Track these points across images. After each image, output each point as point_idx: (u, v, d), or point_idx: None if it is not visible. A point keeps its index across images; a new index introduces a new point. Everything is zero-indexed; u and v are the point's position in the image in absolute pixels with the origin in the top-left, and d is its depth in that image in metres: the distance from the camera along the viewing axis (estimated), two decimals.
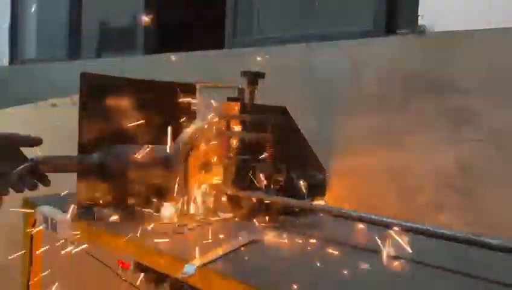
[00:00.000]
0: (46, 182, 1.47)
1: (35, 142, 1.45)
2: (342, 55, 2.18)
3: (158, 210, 1.63)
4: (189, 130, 1.70)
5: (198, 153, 1.70)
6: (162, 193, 1.68)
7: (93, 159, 1.56)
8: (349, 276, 1.16)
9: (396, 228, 1.28)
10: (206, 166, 1.71)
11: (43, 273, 2.01)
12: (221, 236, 1.41)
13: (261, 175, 1.62)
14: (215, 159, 1.72)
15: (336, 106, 2.18)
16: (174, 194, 1.64)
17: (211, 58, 2.81)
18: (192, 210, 1.65)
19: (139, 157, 1.61)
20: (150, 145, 1.65)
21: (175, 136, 1.70)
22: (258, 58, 2.51)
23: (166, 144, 1.67)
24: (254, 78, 1.74)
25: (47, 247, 2.00)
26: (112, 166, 1.57)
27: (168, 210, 1.63)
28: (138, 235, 1.40)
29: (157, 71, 3.10)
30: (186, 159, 1.67)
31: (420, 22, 1.97)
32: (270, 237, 1.44)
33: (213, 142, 1.71)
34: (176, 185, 1.63)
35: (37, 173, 1.44)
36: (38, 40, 5.07)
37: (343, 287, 1.10)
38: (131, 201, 1.73)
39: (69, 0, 4.34)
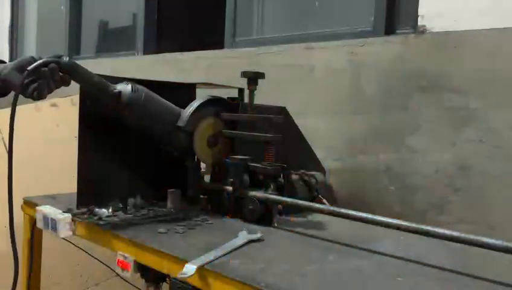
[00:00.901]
0: (66, 81, 1.42)
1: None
2: (342, 55, 2.18)
3: None
4: (199, 100, 1.72)
5: (206, 124, 1.72)
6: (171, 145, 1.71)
7: (114, 86, 1.56)
8: (349, 276, 1.16)
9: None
10: (211, 139, 1.72)
11: (43, 273, 2.02)
12: (221, 236, 1.41)
13: (261, 175, 1.62)
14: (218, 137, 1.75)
15: (336, 105, 2.18)
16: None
17: (211, 58, 2.81)
18: None
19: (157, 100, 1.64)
20: None
21: None
22: (258, 58, 2.51)
23: None
24: (254, 78, 1.73)
25: (47, 247, 2.01)
26: (131, 97, 1.56)
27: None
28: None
29: (157, 71, 3.11)
30: (196, 124, 1.69)
31: (420, 22, 1.97)
32: (269, 237, 1.44)
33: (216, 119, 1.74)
34: None
35: (58, 72, 1.39)
36: (38, 40, 5.07)
37: (343, 287, 1.10)
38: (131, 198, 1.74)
39: (69, 0, 4.34)
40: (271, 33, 2.79)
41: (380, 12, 2.19)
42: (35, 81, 1.35)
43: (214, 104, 1.75)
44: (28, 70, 1.33)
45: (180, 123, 1.67)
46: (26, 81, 1.34)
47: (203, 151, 1.72)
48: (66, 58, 1.40)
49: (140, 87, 1.60)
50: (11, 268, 1.30)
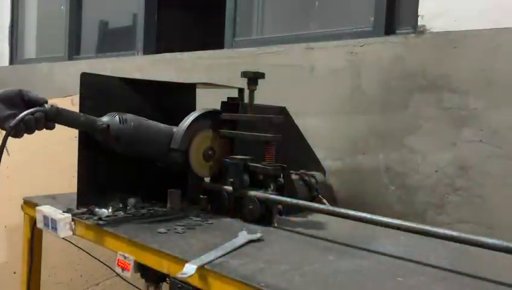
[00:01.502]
0: (51, 127, 1.44)
1: (42, 101, 1.44)
2: (342, 55, 2.18)
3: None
4: (191, 117, 1.71)
5: (200, 139, 1.71)
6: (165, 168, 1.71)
7: (101, 120, 1.56)
8: (348, 276, 1.16)
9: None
10: (207, 152, 1.72)
11: (43, 273, 2.02)
12: (221, 236, 1.41)
13: (261, 175, 1.62)
14: (214, 148, 1.74)
15: (336, 105, 2.18)
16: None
17: (211, 58, 2.81)
18: None
19: (146, 126, 1.63)
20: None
21: None
22: (258, 58, 2.51)
23: None
24: (254, 78, 1.73)
25: (47, 246, 2.01)
26: (119, 129, 1.56)
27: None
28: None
29: (157, 71, 3.11)
30: (190, 141, 1.69)
31: (420, 22, 1.97)
32: (269, 237, 1.44)
33: (213, 138, 1.73)
34: None
35: (44, 120, 1.42)
36: (38, 40, 5.07)
37: (343, 287, 1.10)
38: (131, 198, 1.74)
39: (69, 0, 4.34)
40: (271, 33, 2.79)
41: (380, 12, 2.19)
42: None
43: (207, 117, 1.74)
44: (10, 126, 1.34)
45: (174, 145, 1.67)
46: (11, 128, 1.35)
47: (200, 165, 1.72)
48: (48, 106, 1.41)
49: (128, 116, 1.60)
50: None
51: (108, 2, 4.26)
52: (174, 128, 1.70)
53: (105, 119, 1.56)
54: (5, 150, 1.29)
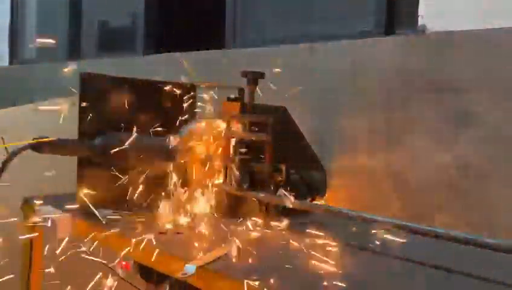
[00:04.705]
0: None
1: None
2: (342, 55, 2.18)
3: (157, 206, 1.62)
4: (190, 126, 1.70)
5: (199, 148, 1.71)
6: (162, 186, 1.68)
7: (95, 142, 1.55)
8: (348, 276, 1.16)
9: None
10: (206, 162, 1.72)
11: (43, 273, 2.02)
12: (221, 236, 1.41)
13: (260, 175, 1.62)
14: (215, 157, 1.73)
15: (336, 106, 2.18)
16: (174, 187, 1.64)
17: (211, 58, 2.81)
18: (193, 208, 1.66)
19: (142, 143, 1.62)
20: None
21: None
22: (258, 58, 2.51)
23: None
24: (254, 78, 1.73)
25: (47, 247, 2.01)
26: (113, 150, 1.56)
27: (167, 207, 1.63)
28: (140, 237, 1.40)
29: (157, 71, 3.10)
30: (188, 152, 1.68)
31: (420, 22, 1.97)
32: (269, 237, 1.44)
33: (213, 140, 1.72)
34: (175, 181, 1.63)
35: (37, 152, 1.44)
36: (38, 40, 5.07)
37: (343, 287, 1.10)
38: (130, 195, 1.73)
39: (69, 0, 4.35)
40: (271, 33, 2.79)
41: (380, 12, 2.19)
42: None
43: None
44: (3, 161, 1.36)
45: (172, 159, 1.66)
46: None
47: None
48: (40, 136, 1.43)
49: (123, 136, 1.59)
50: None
51: (108, 2, 4.26)
52: (172, 138, 1.68)
53: (97, 141, 1.55)
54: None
